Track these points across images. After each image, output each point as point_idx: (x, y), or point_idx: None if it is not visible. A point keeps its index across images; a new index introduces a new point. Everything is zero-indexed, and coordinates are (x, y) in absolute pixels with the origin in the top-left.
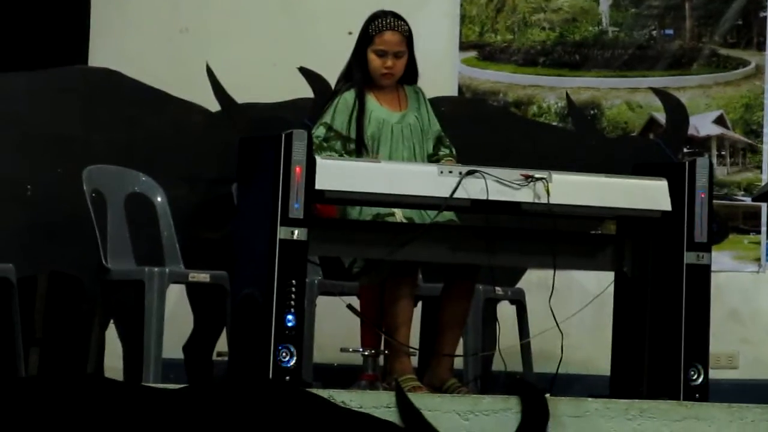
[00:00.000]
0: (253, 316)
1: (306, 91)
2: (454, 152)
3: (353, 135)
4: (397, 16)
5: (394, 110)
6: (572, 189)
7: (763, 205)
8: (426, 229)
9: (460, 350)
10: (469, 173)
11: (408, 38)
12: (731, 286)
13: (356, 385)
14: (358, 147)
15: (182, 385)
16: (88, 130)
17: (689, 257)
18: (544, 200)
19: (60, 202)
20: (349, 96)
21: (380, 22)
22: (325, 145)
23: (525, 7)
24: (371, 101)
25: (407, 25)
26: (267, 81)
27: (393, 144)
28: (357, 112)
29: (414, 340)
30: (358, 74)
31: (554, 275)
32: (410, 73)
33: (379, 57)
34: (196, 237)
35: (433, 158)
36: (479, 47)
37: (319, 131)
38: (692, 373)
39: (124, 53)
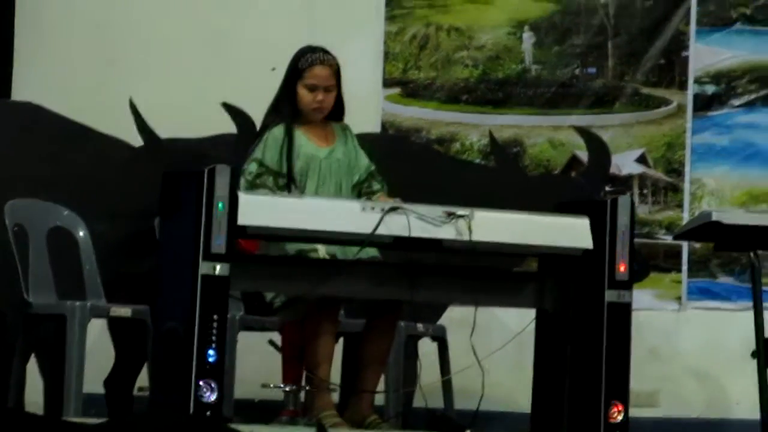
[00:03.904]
0: (175, 350)
1: (229, 127)
2: (385, 188)
3: (284, 170)
4: (325, 51)
5: (322, 145)
6: (494, 226)
7: (684, 243)
8: (348, 266)
9: (381, 386)
10: (392, 209)
11: (337, 72)
12: (652, 325)
13: (277, 420)
14: (288, 182)
15: (103, 420)
16: (10, 164)
17: (610, 295)
18: (466, 237)
19: None
20: (278, 131)
21: (310, 56)
22: (257, 182)
23: (448, 45)
24: (300, 136)
25: (336, 59)
26: (190, 116)
27: (320, 179)
28: (286, 147)
29: (335, 376)
30: (287, 109)
31: (476, 312)
32: (338, 109)
33: (310, 91)
34: (118, 271)
35: (360, 189)
36: (403, 84)
37: (252, 167)
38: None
39: (48, 87)
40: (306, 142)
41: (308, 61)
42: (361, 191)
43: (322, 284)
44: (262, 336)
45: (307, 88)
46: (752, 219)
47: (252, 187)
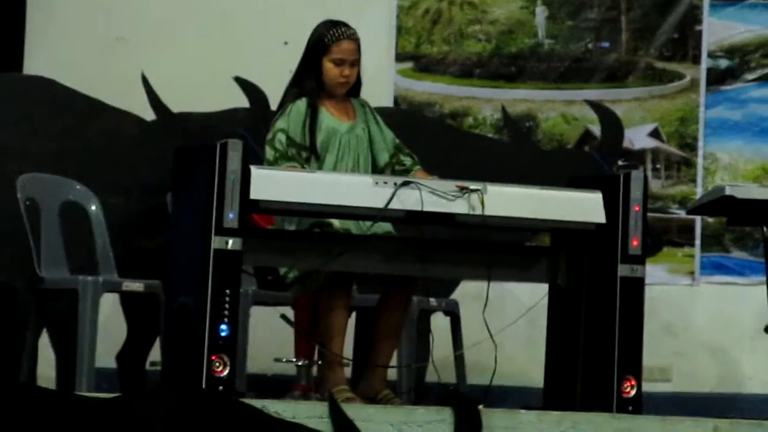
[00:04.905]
0: (187, 325)
1: (241, 101)
2: (416, 159)
3: (306, 143)
4: (347, 25)
5: (343, 120)
6: (507, 201)
7: (698, 218)
8: (361, 240)
9: (394, 361)
10: (404, 184)
11: (359, 47)
12: (665, 299)
13: (289, 395)
14: (309, 155)
15: (115, 395)
16: (22, 138)
17: (623, 270)
18: (478, 212)
19: None
20: (301, 104)
21: (336, 31)
22: (289, 154)
23: (461, 19)
24: (322, 110)
25: (357, 34)
26: (202, 90)
27: (339, 154)
28: (309, 121)
29: (348, 350)
30: (311, 83)
31: (488, 287)
32: (356, 85)
33: (337, 66)
34: (130, 246)
35: (392, 167)
36: (415, 58)
37: (280, 136)
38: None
39: (60, 61)
40: (328, 116)
41: (335, 35)
42: (393, 170)
43: (335, 259)
44: (275, 310)
45: (333, 63)
46: (765, 193)
47: (283, 158)
